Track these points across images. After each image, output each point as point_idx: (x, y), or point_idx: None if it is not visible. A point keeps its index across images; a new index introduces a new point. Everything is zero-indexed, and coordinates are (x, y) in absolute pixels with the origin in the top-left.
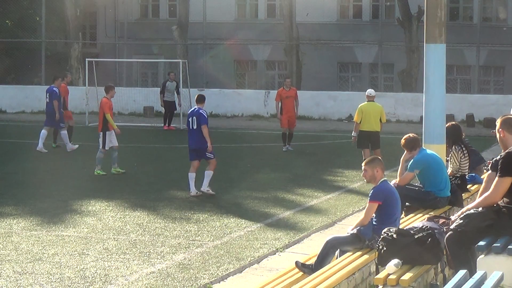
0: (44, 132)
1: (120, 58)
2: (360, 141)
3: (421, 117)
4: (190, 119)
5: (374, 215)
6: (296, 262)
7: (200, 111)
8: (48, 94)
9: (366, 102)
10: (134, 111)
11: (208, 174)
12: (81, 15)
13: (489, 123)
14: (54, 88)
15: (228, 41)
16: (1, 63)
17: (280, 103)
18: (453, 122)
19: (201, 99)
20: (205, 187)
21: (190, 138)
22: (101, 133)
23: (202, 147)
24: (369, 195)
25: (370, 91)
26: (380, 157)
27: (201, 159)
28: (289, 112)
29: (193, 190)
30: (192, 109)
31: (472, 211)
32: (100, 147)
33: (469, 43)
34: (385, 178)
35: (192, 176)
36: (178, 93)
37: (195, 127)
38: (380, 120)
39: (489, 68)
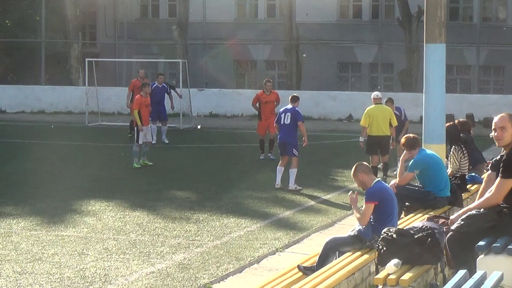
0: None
1: (120, 58)
2: (369, 146)
3: (421, 117)
4: (283, 115)
5: (371, 215)
6: (299, 266)
7: (296, 109)
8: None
9: (373, 105)
10: None
11: (293, 171)
12: (81, 15)
13: (489, 123)
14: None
15: (228, 41)
16: (0, 63)
17: (259, 107)
18: (460, 119)
19: (296, 99)
20: (292, 185)
21: (281, 132)
22: (135, 127)
23: (290, 142)
24: (365, 196)
25: (376, 94)
26: (387, 163)
27: (288, 155)
28: (269, 119)
29: (278, 183)
30: (286, 107)
31: (473, 212)
32: (135, 141)
33: (469, 43)
34: (379, 178)
35: (280, 169)
36: (168, 93)
37: (287, 121)
38: (391, 123)
39: (489, 68)
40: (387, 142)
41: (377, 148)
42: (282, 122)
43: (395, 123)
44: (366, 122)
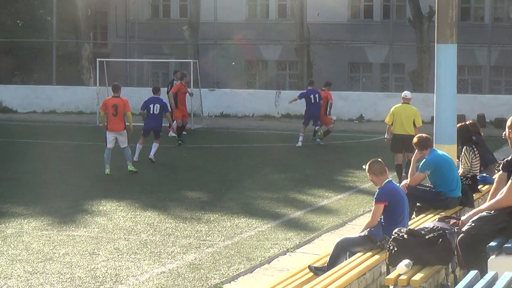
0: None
1: (131, 58)
2: (393, 145)
3: (432, 117)
4: (152, 106)
5: (382, 216)
6: (310, 266)
7: (164, 100)
8: None
9: (400, 104)
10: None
11: (156, 145)
12: (92, 15)
13: (500, 123)
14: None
15: (239, 41)
16: (12, 63)
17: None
18: (470, 121)
19: (158, 90)
20: (152, 155)
21: (151, 120)
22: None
23: (159, 128)
24: (374, 197)
25: (406, 93)
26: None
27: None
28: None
29: (136, 157)
30: (151, 98)
31: (484, 213)
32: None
33: (480, 43)
34: (390, 179)
35: (139, 147)
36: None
37: (157, 112)
38: (415, 124)
39: (500, 68)
40: (411, 141)
41: (401, 146)
42: (151, 112)
43: (419, 123)
44: (390, 120)
